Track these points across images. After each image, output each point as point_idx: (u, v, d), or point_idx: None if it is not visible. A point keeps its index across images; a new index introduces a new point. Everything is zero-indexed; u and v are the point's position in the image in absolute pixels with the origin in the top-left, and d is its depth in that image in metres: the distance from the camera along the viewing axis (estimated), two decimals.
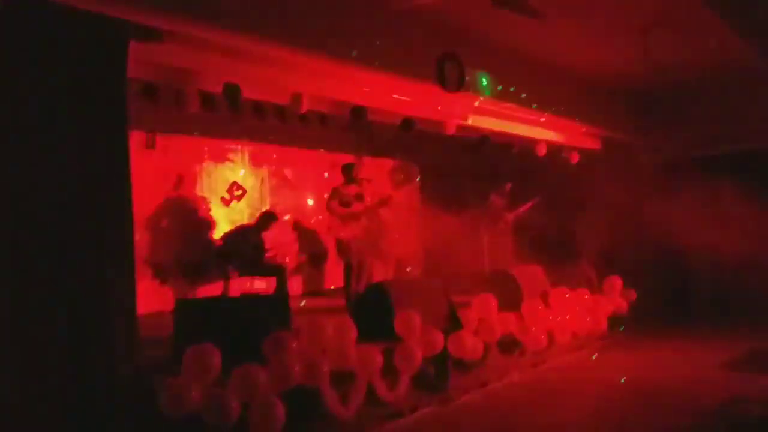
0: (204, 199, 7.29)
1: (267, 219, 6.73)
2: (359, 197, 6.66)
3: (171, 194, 6.97)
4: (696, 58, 7.02)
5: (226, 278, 6.54)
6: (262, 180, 7.95)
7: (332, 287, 8.24)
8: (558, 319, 6.18)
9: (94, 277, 3.33)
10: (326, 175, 7.75)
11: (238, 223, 7.17)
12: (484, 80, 6.21)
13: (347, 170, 6.80)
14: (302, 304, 7.09)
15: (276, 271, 6.57)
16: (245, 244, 6.41)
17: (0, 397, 2.98)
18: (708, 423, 4.41)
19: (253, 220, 7.02)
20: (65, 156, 3.33)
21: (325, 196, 6.96)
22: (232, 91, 5.04)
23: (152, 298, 6.24)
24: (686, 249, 7.90)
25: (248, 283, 6.90)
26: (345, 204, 6.56)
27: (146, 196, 6.45)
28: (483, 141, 7.55)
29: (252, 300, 5.46)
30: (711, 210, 7.49)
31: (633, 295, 7.52)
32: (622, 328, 7.28)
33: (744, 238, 7.23)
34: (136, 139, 6.35)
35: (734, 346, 6.49)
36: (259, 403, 3.63)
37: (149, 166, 6.69)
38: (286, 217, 7.80)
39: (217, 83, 4.99)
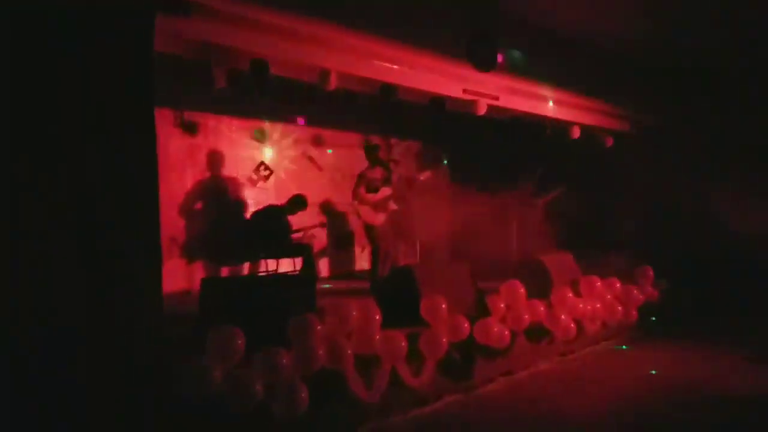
0: (235, 179, 7.27)
1: (296, 203, 6.66)
2: (386, 180, 6.52)
3: (203, 175, 6.95)
4: (738, 39, 6.69)
5: (252, 259, 6.52)
6: (291, 161, 7.89)
7: (360, 270, 8.19)
8: (588, 308, 6.03)
9: (120, 257, 3.30)
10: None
11: (265, 204, 7.14)
12: (517, 59, 6.02)
13: (371, 152, 6.63)
14: (327, 286, 7.06)
15: (302, 251, 6.52)
16: (272, 226, 6.37)
17: (23, 377, 2.98)
18: (737, 417, 4.27)
19: (281, 202, 6.98)
20: (89, 133, 3.27)
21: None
22: (259, 66, 4.94)
23: (181, 276, 6.27)
24: (722, 239, 7.63)
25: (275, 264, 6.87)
26: (372, 189, 6.42)
27: (175, 175, 6.46)
28: (515, 122, 7.35)
29: (278, 279, 5.42)
30: (750, 198, 7.21)
31: (665, 285, 7.30)
32: (653, 319, 7.09)
33: None
34: (164, 117, 6.36)
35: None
36: (282, 385, 3.60)
37: (178, 144, 6.68)
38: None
39: (245, 59, 4.90)
